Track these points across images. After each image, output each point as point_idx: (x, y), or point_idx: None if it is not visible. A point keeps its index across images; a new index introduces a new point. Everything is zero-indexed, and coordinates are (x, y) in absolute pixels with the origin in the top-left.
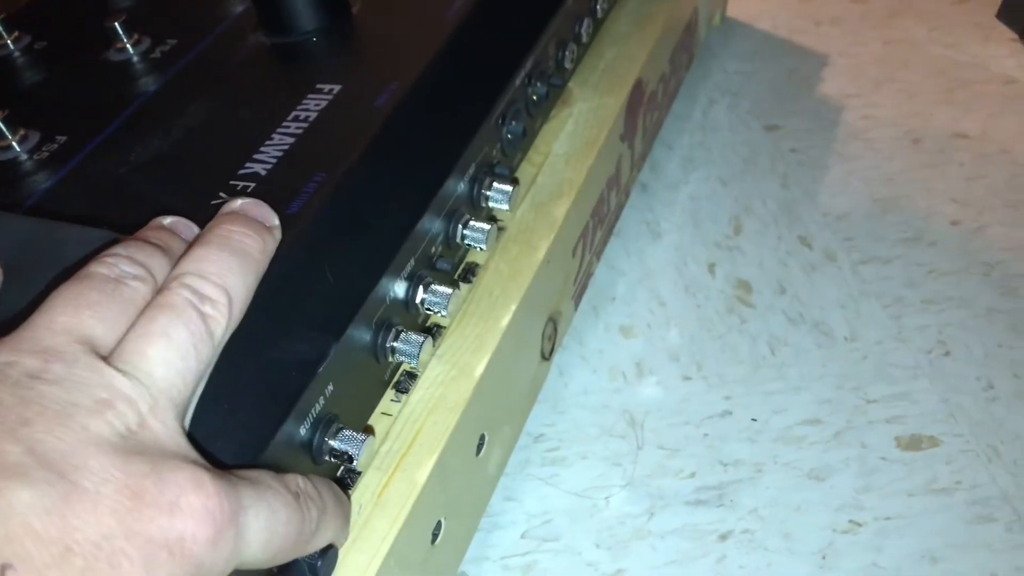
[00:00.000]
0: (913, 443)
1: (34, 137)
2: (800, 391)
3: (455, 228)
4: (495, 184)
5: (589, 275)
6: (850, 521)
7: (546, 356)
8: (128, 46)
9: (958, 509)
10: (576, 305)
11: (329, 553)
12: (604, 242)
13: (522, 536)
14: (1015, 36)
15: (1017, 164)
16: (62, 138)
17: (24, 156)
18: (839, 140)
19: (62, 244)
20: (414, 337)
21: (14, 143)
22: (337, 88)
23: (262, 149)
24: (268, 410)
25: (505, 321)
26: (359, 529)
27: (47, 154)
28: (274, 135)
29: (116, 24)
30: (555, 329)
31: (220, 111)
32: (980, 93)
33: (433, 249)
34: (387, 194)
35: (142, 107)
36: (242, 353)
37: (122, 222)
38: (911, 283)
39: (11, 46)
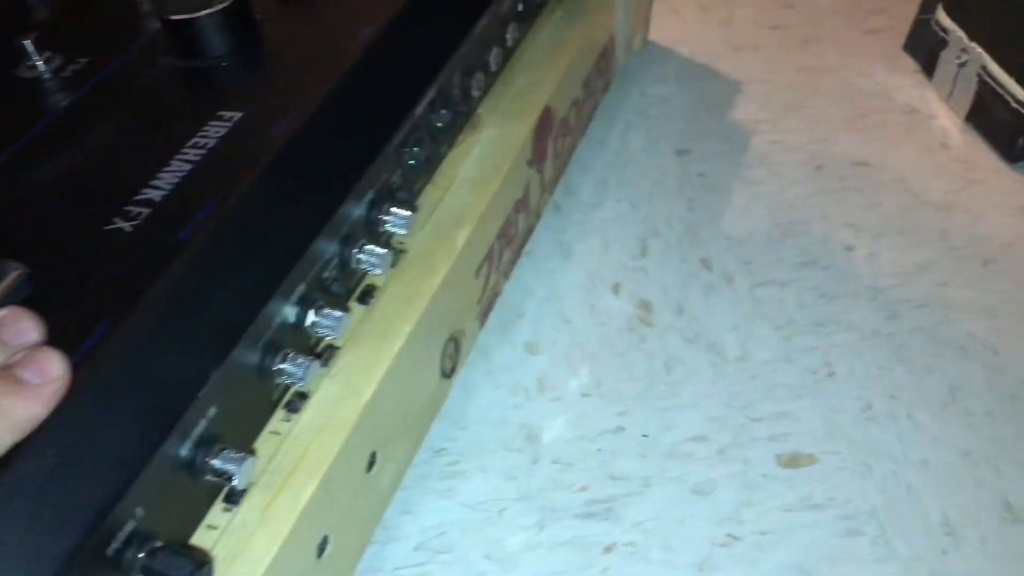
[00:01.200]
0: (793, 460)
1: None
2: (691, 408)
3: (350, 253)
4: (394, 209)
5: (496, 294)
6: (728, 535)
7: (447, 374)
8: (39, 63)
9: (829, 524)
10: (482, 323)
11: (204, 568)
12: (513, 262)
13: (416, 548)
14: (918, 68)
15: (911, 192)
16: None
17: None
18: (746, 165)
19: None
20: (302, 360)
21: None
22: (238, 116)
23: (160, 175)
24: (149, 431)
25: (399, 343)
26: (243, 544)
27: None
28: (172, 161)
29: (27, 41)
30: (457, 348)
31: (123, 134)
32: (882, 122)
33: (327, 273)
34: (279, 221)
35: (47, 127)
36: (130, 371)
37: (16, 246)
38: (803, 306)
39: None
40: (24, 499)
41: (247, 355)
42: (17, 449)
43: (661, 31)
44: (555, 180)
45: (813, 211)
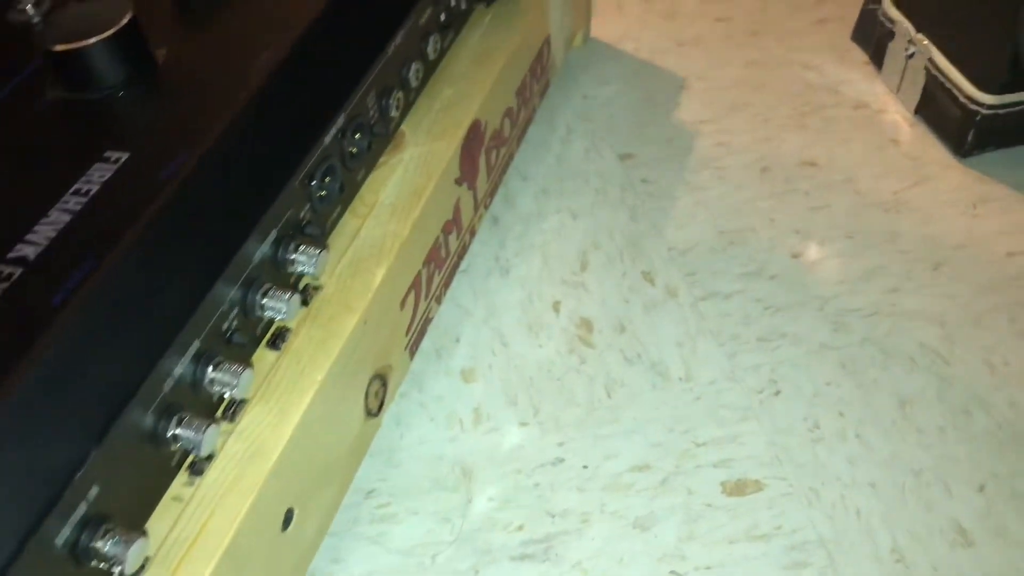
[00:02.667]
0: (738, 488)
1: None
2: (632, 434)
3: (254, 299)
4: (301, 248)
5: (428, 320)
6: (671, 572)
7: (373, 413)
8: None
9: (776, 555)
10: (412, 354)
11: None
12: (446, 284)
13: None
14: (867, 59)
15: (859, 193)
16: None
17: None
18: (690, 169)
19: None
20: (199, 423)
21: None
22: (125, 156)
23: (36, 228)
24: (20, 520)
25: (311, 392)
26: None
27: None
28: (51, 212)
29: None
30: (384, 384)
31: (0, 180)
32: (831, 118)
33: (226, 324)
34: (168, 273)
35: None
36: None
37: None
38: (748, 319)
39: None
40: None
41: (134, 425)
42: None
43: (603, 27)
44: (491, 193)
45: (759, 216)
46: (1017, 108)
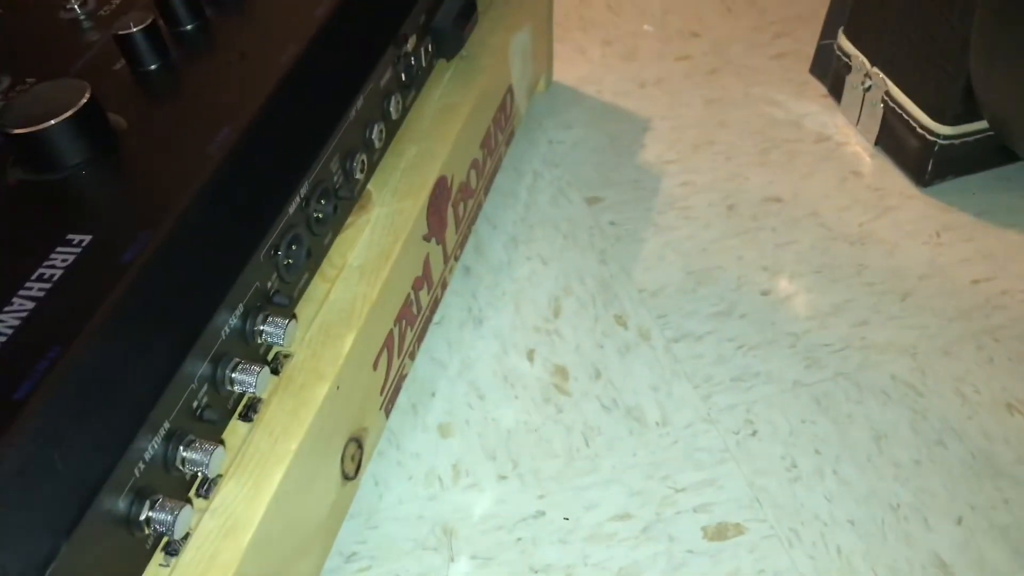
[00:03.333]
0: (719, 532)
1: None
2: (611, 484)
3: (223, 374)
4: (269, 319)
5: (403, 377)
6: None
7: (350, 476)
8: None
9: None
10: (388, 413)
11: None
12: (419, 340)
13: None
14: (825, 92)
15: (824, 227)
16: None
17: None
18: (657, 210)
19: None
20: (170, 505)
21: None
22: (87, 239)
23: (1, 315)
24: None
25: (285, 463)
26: None
27: None
28: (14, 299)
29: None
30: (360, 447)
31: None
32: (793, 152)
33: (196, 402)
34: (136, 356)
35: None
36: None
37: None
38: (721, 360)
39: None
40: None
41: (107, 512)
42: None
43: (566, 71)
44: (461, 244)
45: (727, 255)
46: (973, 137)
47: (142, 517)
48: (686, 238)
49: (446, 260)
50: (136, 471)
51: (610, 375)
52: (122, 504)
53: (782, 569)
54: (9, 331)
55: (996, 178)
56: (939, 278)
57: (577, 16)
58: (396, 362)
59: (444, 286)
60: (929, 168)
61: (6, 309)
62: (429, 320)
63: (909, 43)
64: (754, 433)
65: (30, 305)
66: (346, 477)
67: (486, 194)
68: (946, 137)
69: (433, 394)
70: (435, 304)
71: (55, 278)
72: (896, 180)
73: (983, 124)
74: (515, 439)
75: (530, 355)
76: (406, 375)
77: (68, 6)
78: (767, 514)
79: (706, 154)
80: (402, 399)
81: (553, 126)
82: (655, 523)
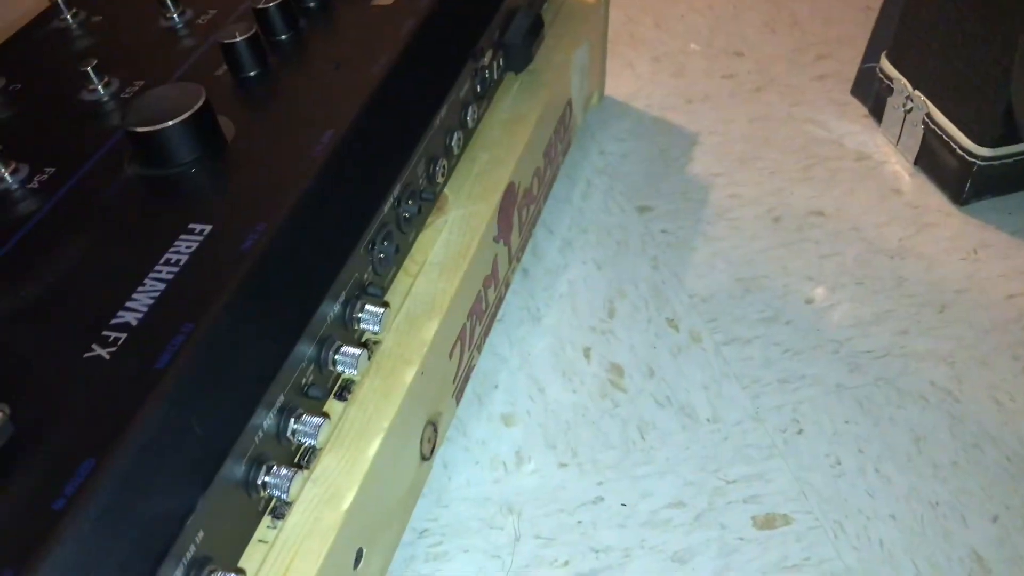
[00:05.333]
0: (768, 522)
1: None
2: (666, 474)
3: (327, 355)
4: (367, 308)
5: (471, 368)
6: None
7: (426, 457)
8: (6, 175)
9: None
10: (458, 401)
11: None
12: (485, 335)
13: None
14: (866, 112)
15: (865, 240)
16: None
17: None
18: (705, 220)
19: None
20: (284, 472)
21: None
22: (208, 228)
23: (134, 296)
24: (137, 564)
25: (379, 439)
26: None
27: None
28: (146, 280)
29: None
30: (435, 430)
31: (94, 251)
32: (835, 169)
33: (304, 379)
34: (256, 335)
35: (17, 245)
36: (116, 505)
37: None
38: (768, 363)
39: None
40: None
41: (231, 474)
42: None
43: (617, 86)
44: (522, 247)
45: (773, 265)
46: (1011, 159)
47: (259, 481)
48: (733, 248)
49: (511, 261)
50: (256, 439)
51: (663, 374)
52: (243, 468)
53: (827, 558)
54: (145, 308)
55: None
56: (976, 292)
57: (627, 34)
58: (467, 354)
59: (507, 285)
60: (967, 188)
61: (140, 289)
62: (494, 317)
63: (951, 68)
64: (800, 432)
65: (161, 286)
66: (423, 457)
67: (545, 201)
68: (985, 159)
69: (496, 386)
70: (499, 302)
71: (182, 262)
72: (935, 198)
73: (1021, 147)
74: (574, 430)
75: (586, 353)
76: (474, 367)
77: (168, 15)
78: (813, 507)
79: (752, 168)
80: (468, 393)
81: (605, 138)
82: (707, 512)
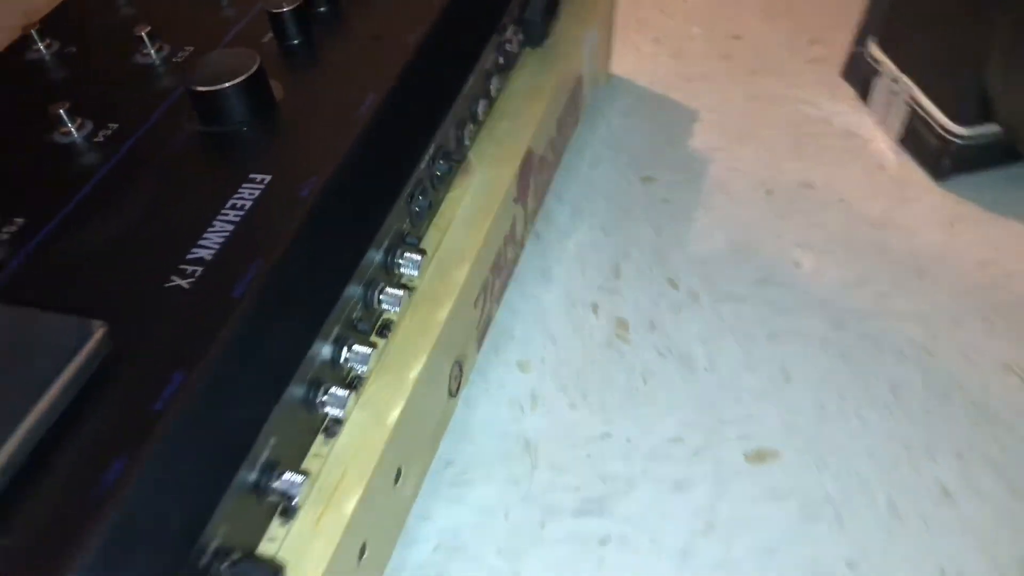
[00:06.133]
0: (758, 456)
1: None
2: (666, 415)
3: (372, 295)
4: (406, 254)
5: (490, 319)
6: (705, 523)
7: (453, 394)
8: (73, 130)
9: (793, 511)
10: (479, 347)
11: (279, 573)
12: (503, 289)
13: (434, 549)
14: (855, 94)
15: (851, 211)
16: (20, 220)
17: None
18: (705, 191)
19: (44, 332)
20: (340, 393)
21: None
22: (268, 178)
23: (205, 235)
24: (224, 463)
25: (415, 372)
26: (300, 553)
27: (7, 236)
28: (215, 222)
29: (62, 111)
30: (460, 370)
31: (164, 197)
32: (825, 147)
33: (354, 314)
34: (315, 273)
35: (92, 190)
36: (205, 412)
37: (86, 304)
38: (760, 319)
39: None
40: (128, 533)
41: (296, 391)
42: (117, 493)
43: (621, 65)
44: (536, 211)
45: (766, 232)
46: (986, 138)
47: (318, 400)
48: (731, 216)
49: (526, 222)
50: (316, 363)
51: (664, 328)
52: (305, 388)
53: (811, 486)
54: (217, 246)
55: (1007, 176)
56: (952, 260)
57: (632, 17)
58: (488, 305)
59: (522, 245)
60: (946, 164)
61: (210, 230)
62: (511, 272)
63: (934, 51)
64: (788, 380)
65: (230, 227)
66: (451, 393)
67: (556, 169)
68: (962, 137)
69: (512, 337)
70: (516, 260)
71: (246, 207)
72: (916, 175)
73: (996, 127)
74: (583, 376)
75: (594, 308)
76: (493, 317)
77: None
78: (799, 443)
79: (749, 145)
80: (487, 343)
81: (611, 112)
82: (704, 447)
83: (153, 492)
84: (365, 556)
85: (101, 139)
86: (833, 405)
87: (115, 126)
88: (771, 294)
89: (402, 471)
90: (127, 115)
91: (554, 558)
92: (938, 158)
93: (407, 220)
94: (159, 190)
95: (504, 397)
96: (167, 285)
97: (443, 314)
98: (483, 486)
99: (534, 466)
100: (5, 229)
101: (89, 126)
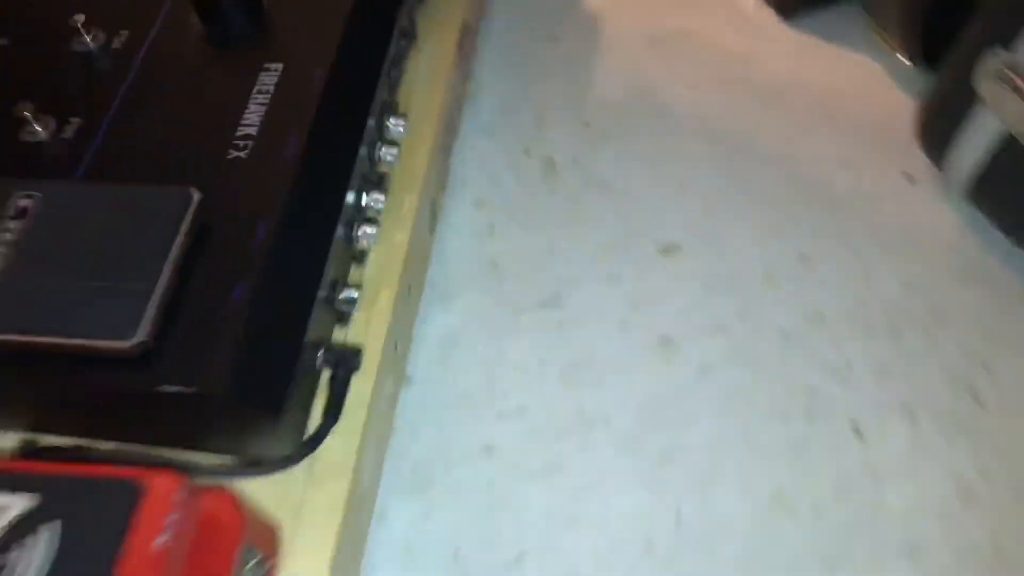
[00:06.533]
0: (667, 250)
1: (50, 121)
2: (596, 228)
3: (374, 153)
4: (391, 119)
5: (448, 168)
6: (634, 301)
7: (431, 230)
8: (88, 40)
9: (696, 287)
10: (444, 191)
11: (359, 354)
12: (453, 143)
13: (438, 344)
14: None
15: (720, 50)
16: (76, 120)
17: (50, 138)
18: (603, 46)
19: (153, 200)
20: (370, 231)
21: (38, 128)
22: (280, 66)
23: (245, 116)
24: (308, 288)
25: (412, 211)
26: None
27: (71, 134)
28: (249, 105)
29: (78, 22)
30: (435, 210)
31: (198, 89)
32: (697, 2)
33: (364, 169)
34: (337, 138)
35: (128, 89)
36: (288, 251)
37: (163, 179)
38: (658, 145)
39: None
40: (258, 332)
41: (340, 232)
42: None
43: None
44: (469, 75)
45: (655, 75)
46: None
47: (354, 235)
48: (626, 65)
49: (464, 84)
50: (349, 208)
51: (585, 162)
52: (347, 228)
53: (709, 267)
54: (258, 124)
55: (839, 13)
56: (801, 84)
57: None
58: (447, 156)
59: (461, 102)
60: (790, 5)
61: (247, 112)
62: (456, 132)
63: None
64: (684, 189)
65: (263, 108)
66: (430, 230)
67: (478, 36)
68: None
69: (465, 183)
70: (459, 119)
71: (271, 91)
72: (770, 19)
73: None
74: (527, 206)
75: (527, 152)
76: (448, 171)
77: None
78: (698, 238)
79: (633, 4)
80: (446, 188)
81: None
82: (625, 248)
83: (267, 306)
84: (397, 349)
85: (118, 46)
86: (719, 204)
87: (126, 33)
88: (664, 124)
89: (411, 287)
90: (133, 21)
91: (528, 339)
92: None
93: (387, 89)
94: (191, 84)
95: (467, 230)
96: (229, 157)
97: (424, 161)
98: (464, 297)
99: (501, 278)
100: (68, 128)
101: (102, 36)
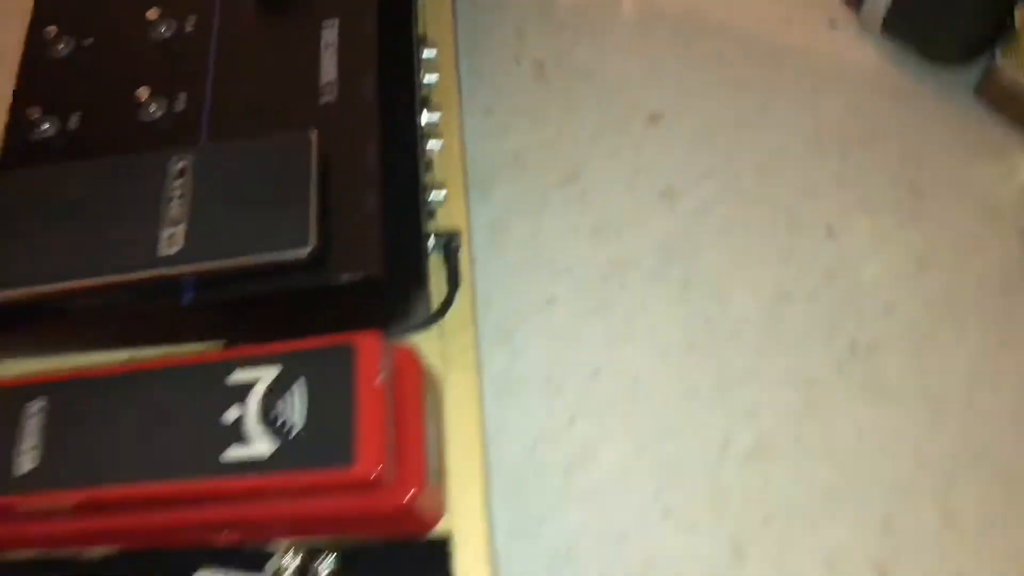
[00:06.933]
0: (653, 119)
1: (163, 100)
2: (589, 113)
3: (419, 79)
4: (426, 50)
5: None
6: (634, 167)
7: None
8: (163, 28)
9: (681, 152)
10: None
11: (456, 236)
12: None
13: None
14: None
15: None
16: (182, 93)
17: (165, 113)
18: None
19: (279, 147)
20: (435, 145)
21: (155, 107)
22: (336, 20)
23: (322, 68)
24: (412, 188)
25: (456, 115)
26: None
27: (183, 107)
28: (322, 59)
29: (152, 16)
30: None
31: (273, 51)
32: None
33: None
34: (398, 74)
35: (217, 61)
36: (390, 175)
37: (274, 129)
38: (646, 33)
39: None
40: (393, 237)
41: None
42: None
43: None
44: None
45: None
46: None
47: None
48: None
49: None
50: (421, 124)
51: (568, 60)
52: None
53: (694, 123)
54: (335, 72)
55: None
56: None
57: None
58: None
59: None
60: None
61: (323, 64)
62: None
63: None
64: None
65: (335, 59)
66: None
67: None
68: None
69: (476, 93)
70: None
71: (335, 44)
72: None
73: None
74: (532, 107)
75: (517, 60)
76: None
77: None
78: (679, 109)
79: None
80: None
81: None
82: (613, 126)
83: (392, 208)
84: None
85: (191, 29)
86: (687, 75)
87: (194, 17)
88: (631, 16)
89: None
90: (196, 7)
91: (557, 212)
92: None
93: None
94: (267, 48)
95: (486, 134)
96: (320, 104)
97: (453, 79)
98: (499, 188)
99: (524, 167)
100: (175, 104)
101: (173, 23)
